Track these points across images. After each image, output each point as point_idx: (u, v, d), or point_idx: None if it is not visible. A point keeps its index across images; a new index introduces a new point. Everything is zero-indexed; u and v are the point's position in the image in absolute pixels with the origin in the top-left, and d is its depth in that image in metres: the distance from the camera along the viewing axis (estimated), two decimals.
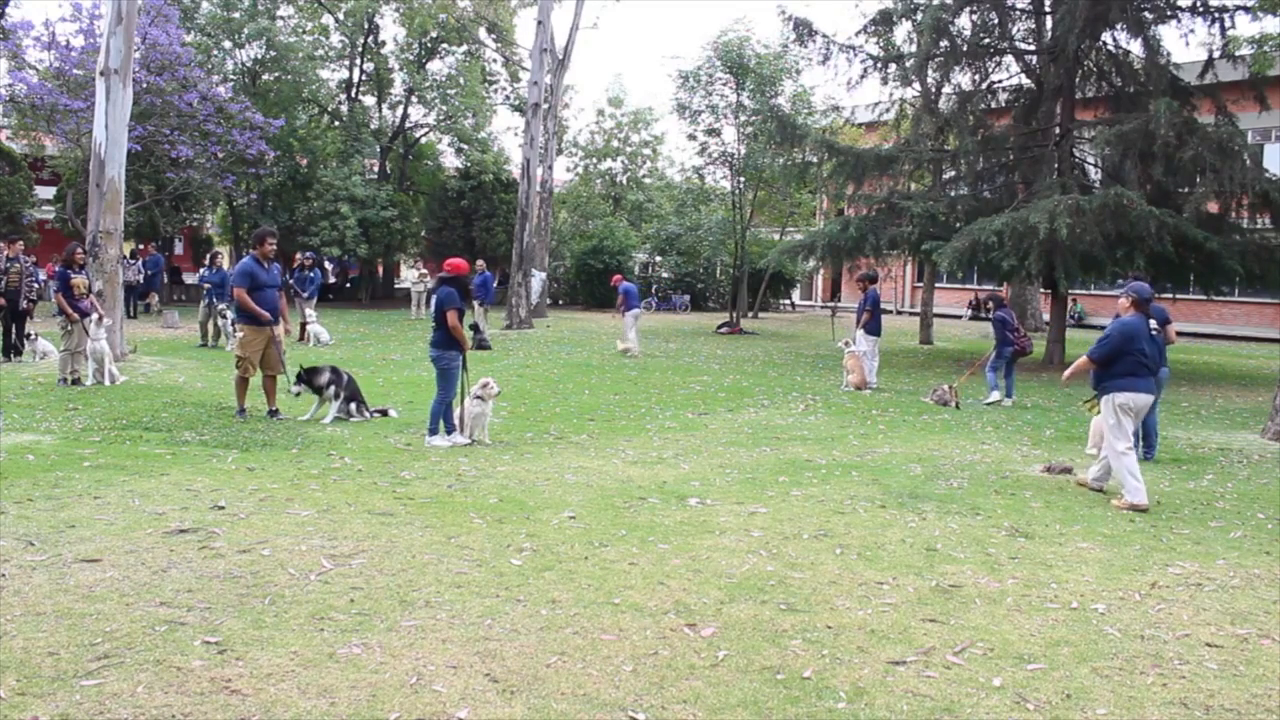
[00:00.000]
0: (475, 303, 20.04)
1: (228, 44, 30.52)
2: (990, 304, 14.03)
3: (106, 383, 11.42)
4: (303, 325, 17.97)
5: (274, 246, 9.63)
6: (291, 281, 19.76)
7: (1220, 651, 4.12)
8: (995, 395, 12.44)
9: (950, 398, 12.26)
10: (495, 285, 23.87)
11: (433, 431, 8.52)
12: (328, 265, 40.13)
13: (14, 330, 13.72)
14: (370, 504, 6.22)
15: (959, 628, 4.32)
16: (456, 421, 8.57)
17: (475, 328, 18.93)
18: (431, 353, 8.56)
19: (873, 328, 13.65)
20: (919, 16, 17.66)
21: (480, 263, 21.94)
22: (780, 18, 19.39)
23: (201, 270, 20.45)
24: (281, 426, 9.08)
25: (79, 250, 12.54)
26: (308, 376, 9.58)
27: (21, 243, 14.16)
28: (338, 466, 7.38)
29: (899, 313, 35.69)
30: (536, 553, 5.24)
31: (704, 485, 7.13)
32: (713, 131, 28.15)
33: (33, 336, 13.77)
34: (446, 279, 8.55)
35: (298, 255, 22.37)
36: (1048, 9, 17.98)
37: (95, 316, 11.70)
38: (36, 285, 14.94)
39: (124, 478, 6.69)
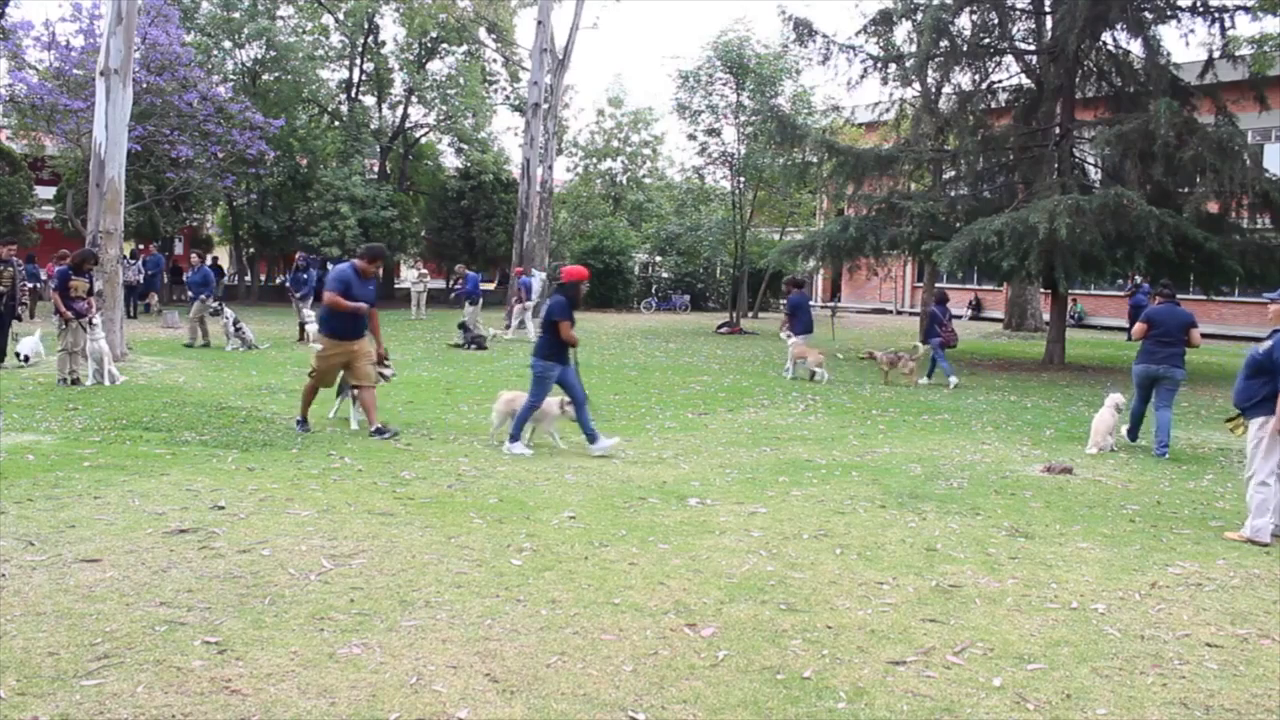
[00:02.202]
0: (467, 302, 19.99)
1: (228, 44, 30.52)
2: (933, 299, 15.90)
3: (106, 382, 11.39)
4: (301, 325, 17.91)
5: (379, 268, 9.24)
6: (288, 282, 19.75)
7: (1220, 651, 4.12)
8: (952, 381, 13.93)
9: (899, 361, 14.23)
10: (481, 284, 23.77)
11: (514, 438, 8.26)
12: (329, 266, 40.04)
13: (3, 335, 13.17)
14: (370, 504, 6.22)
15: (959, 628, 4.32)
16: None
17: (464, 326, 18.95)
18: (532, 359, 8.29)
19: (798, 328, 14.98)
20: (919, 16, 17.66)
21: (459, 267, 22.01)
22: (780, 18, 19.39)
23: (188, 273, 20.14)
24: (282, 426, 9.08)
25: (91, 258, 12.36)
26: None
27: (15, 245, 13.86)
28: (338, 466, 7.38)
29: (899, 313, 35.70)
30: (536, 553, 5.24)
31: (704, 485, 7.13)
32: (713, 131, 28.15)
33: (16, 338, 13.38)
34: (562, 285, 8.34)
35: (296, 255, 22.29)
36: (1048, 9, 17.98)
37: (92, 318, 11.62)
38: (34, 287, 14.57)
39: (124, 478, 6.69)
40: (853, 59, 18.79)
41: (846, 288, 38.07)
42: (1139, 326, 9.56)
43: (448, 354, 17.37)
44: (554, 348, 8.12)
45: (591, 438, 8.21)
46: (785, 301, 16.44)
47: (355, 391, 8.96)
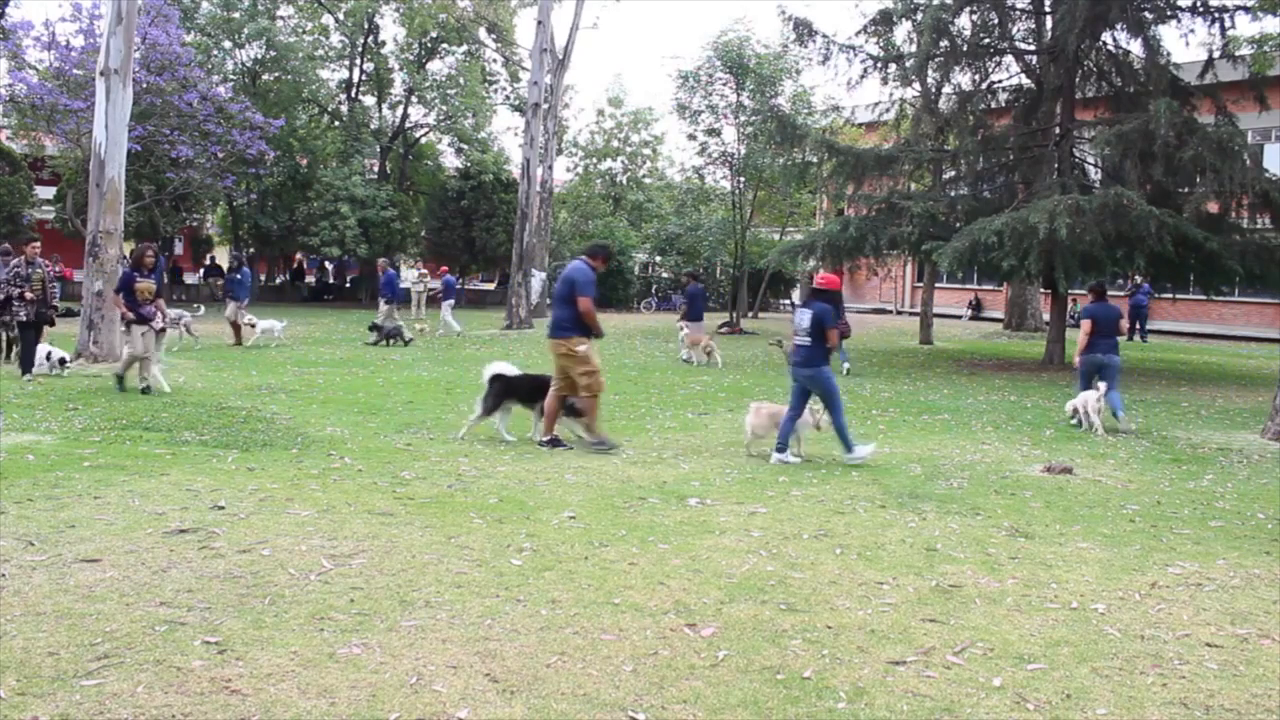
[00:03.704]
0: (381, 300, 19.66)
1: (228, 44, 30.55)
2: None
3: (149, 387, 10.85)
4: (236, 327, 17.60)
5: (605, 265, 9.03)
6: (224, 284, 19.39)
7: (1220, 651, 4.12)
8: (845, 366, 15.42)
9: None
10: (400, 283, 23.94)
11: (781, 449, 8.09)
12: (328, 266, 40.18)
13: (31, 343, 12.09)
14: (370, 504, 6.22)
15: (959, 628, 4.32)
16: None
17: (375, 326, 18.72)
18: (802, 371, 8.11)
19: (691, 316, 17.04)
20: (919, 16, 17.66)
21: (382, 260, 22.23)
22: (780, 18, 19.40)
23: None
24: (282, 426, 9.08)
25: (149, 252, 11.53)
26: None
27: (39, 244, 12.90)
28: (338, 466, 7.38)
29: (899, 313, 35.68)
30: (536, 553, 5.24)
31: (704, 485, 7.13)
32: (713, 131, 28.16)
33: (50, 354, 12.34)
34: (820, 292, 8.27)
35: (229, 256, 22.09)
36: (1048, 9, 17.98)
37: (160, 325, 11.01)
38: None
39: (124, 478, 6.69)
40: (853, 59, 18.79)
41: (847, 288, 38.07)
42: (1085, 324, 10.80)
43: (448, 354, 17.37)
44: (824, 354, 8.13)
45: (784, 448, 8.14)
46: (685, 292, 18.29)
47: (548, 401, 8.58)
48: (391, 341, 18.32)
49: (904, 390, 13.50)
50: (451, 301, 23.42)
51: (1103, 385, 10.24)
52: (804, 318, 8.16)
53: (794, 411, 8.13)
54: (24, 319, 11.89)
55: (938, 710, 3.49)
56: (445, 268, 26.67)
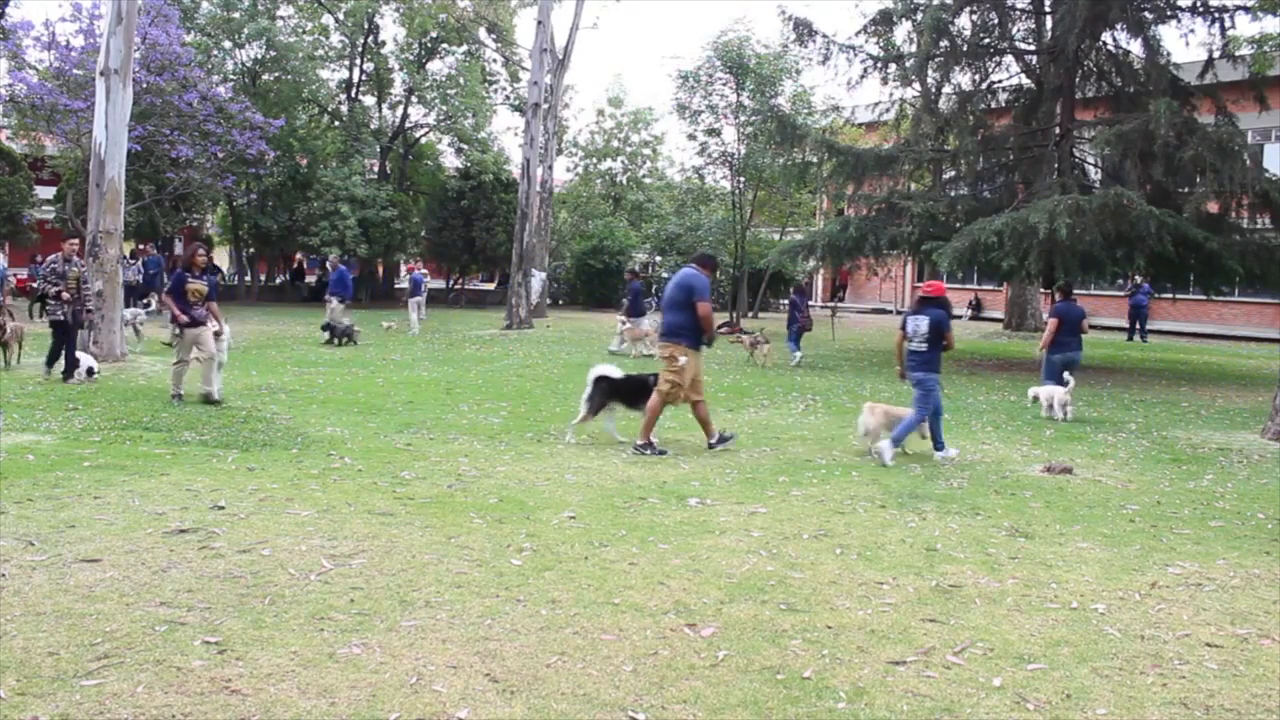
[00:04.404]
0: (334, 298, 19.24)
1: (228, 44, 30.53)
2: (791, 289, 19.35)
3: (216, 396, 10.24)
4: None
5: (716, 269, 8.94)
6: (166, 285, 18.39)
7: (1220, 651, 4.12)
8: (798, 355, 16.60)
9: (759, 344, 16.57)
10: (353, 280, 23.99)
11: (941, 446, 8.52)
12: (329, 266, 40.00)
13: (69, 344, 11.68)
14: (370, 504, 6.22)
15: (959, 628, 4.32)
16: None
17: (327, 327, 18.31)
18: (919, 373, 8.45)
19: (632, 312, 18.21)
20: (919, 16, 17.67)
21: (333, 257, 22.12)
22: (780, 18, 19.42)
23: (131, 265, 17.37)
24: (282, 426, 9.08)
25: (200, 252, 10.79)
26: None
27: (76, 242, 12.31)
28: (338, 466, 7.38)
29: (899, 313, 35.70)
30: (536, 553, 5.24)
31: (704, 485, 7.13)
32: (713, 131, 28.17)
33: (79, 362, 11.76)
34: (931, 299, 8.54)
35: (146, 249, 20.83)
36: (1048, 9, 17.99)
37: (215, 328, 10.38)
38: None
39: (124, 478, 6.69)
40: (853, 59, 18.81)
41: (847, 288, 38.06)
42: (1053, 322, 11.61)
43: (448, 354, 17.37)
44: (939, 359, 8.50)
45: (942, 445, 8.57)
46: (627, 288, 19.49)
47: (655, 403, 8.52)
48: (343, 341, 17.78)
49: (904, 390, 13.47)
50: (419, 299, 23.32)
51: (1071, 379, 11.01)
52: (921, 324, 8.43)
53: (934, 409, 8.59)
54: (60, 318, 11.54)
55: (938, 710, 3.50)
56: (412, 265, 27.10)
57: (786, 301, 39.90)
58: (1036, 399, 11.30)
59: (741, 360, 17.03)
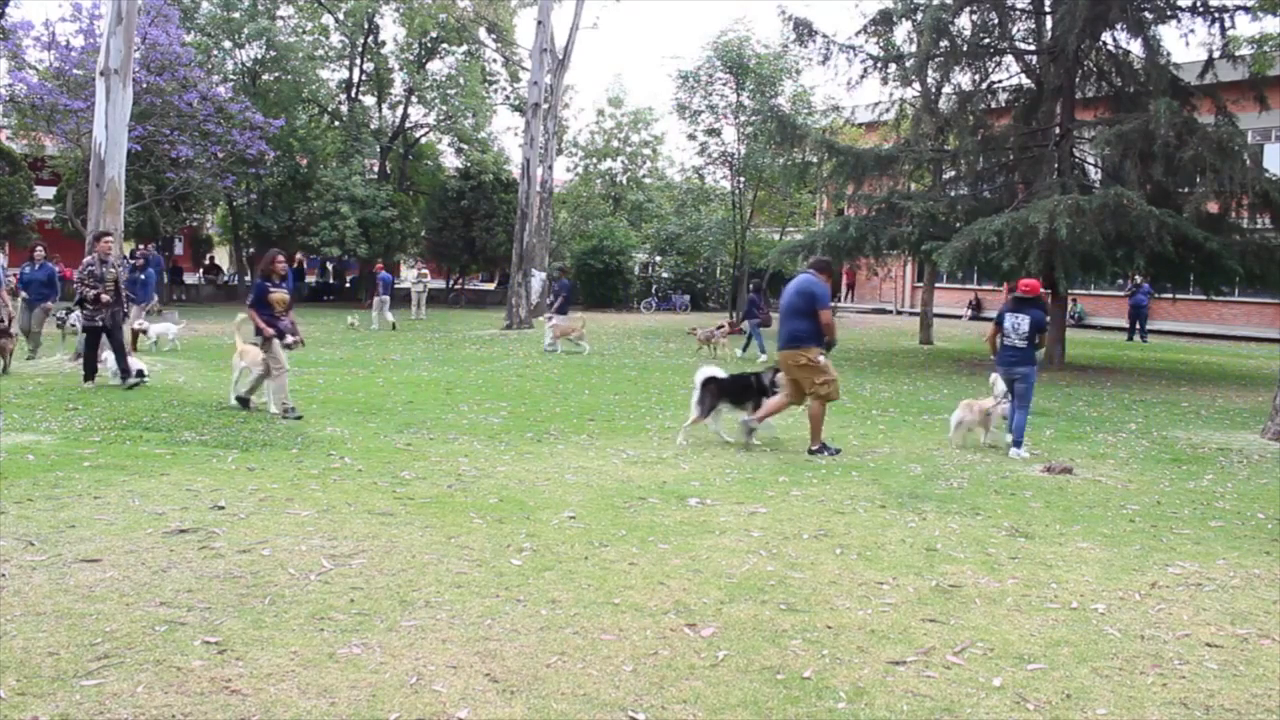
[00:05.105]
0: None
1: (228, 44, 30.56)
2: (750, 287, 20.73)
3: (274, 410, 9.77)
4: (134, 332, 15.04)
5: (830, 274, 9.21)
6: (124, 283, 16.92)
7: (1220, 651, 4.12)
8: (763, 357, 17.13)
9: (711, 337, 18.07)
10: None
11: (1019, 444, 8.77)
12: (329, 266, 40.03)
13: (115, 345, 11.39)
14: (370, 504, 6.22)
15: (959, 628, 4.32)
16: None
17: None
18: (1019, 369, 8.93)
19: (560, 309, 19.33)
20: (919, 16, 17.66)
21: (280, 255, 22.17)
22: (780, 18, 19.41)
23: (24, 266, 15.39)
24: (282, 427, 9.08)
25: (279, 259, 10.25)
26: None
27: (110, 238, 11.84)
28: (338, 466, 7.38)
29: (899, 313, 35.67)
30: (536, 553, 5.24)
31: (704, 485, 7.13)
32: (713, 131, 28.20)
33: (104, 360, 11.52)
34: (1028, 299, 9.01)
35: (133, 251, 19.96)
36: (1048, 9, 17.97)
37: (292, 339, 9.86)
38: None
39: (124, 478, 6.69)
40: (853, 59, 18.80)
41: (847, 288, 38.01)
42: (993, 328, 12.20)
43: (448, 354, 17.37)
44: (1035, 354, 8.99)
45: (1017, 444, 8.82)
46: (555, 286, 20.91)
47: (768, 403, 8.76)
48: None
49: (904, 390, 13.50)
50: (386, 298, 24.06)
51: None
52: (1021, 322, 8.92)
53: (1017, 404, 9.00)
54: (98, 325, 11.16)
55: (938, 710, 3.50)
56: (381, 264, 27.84)
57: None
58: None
59: (758, 364, 17.03)
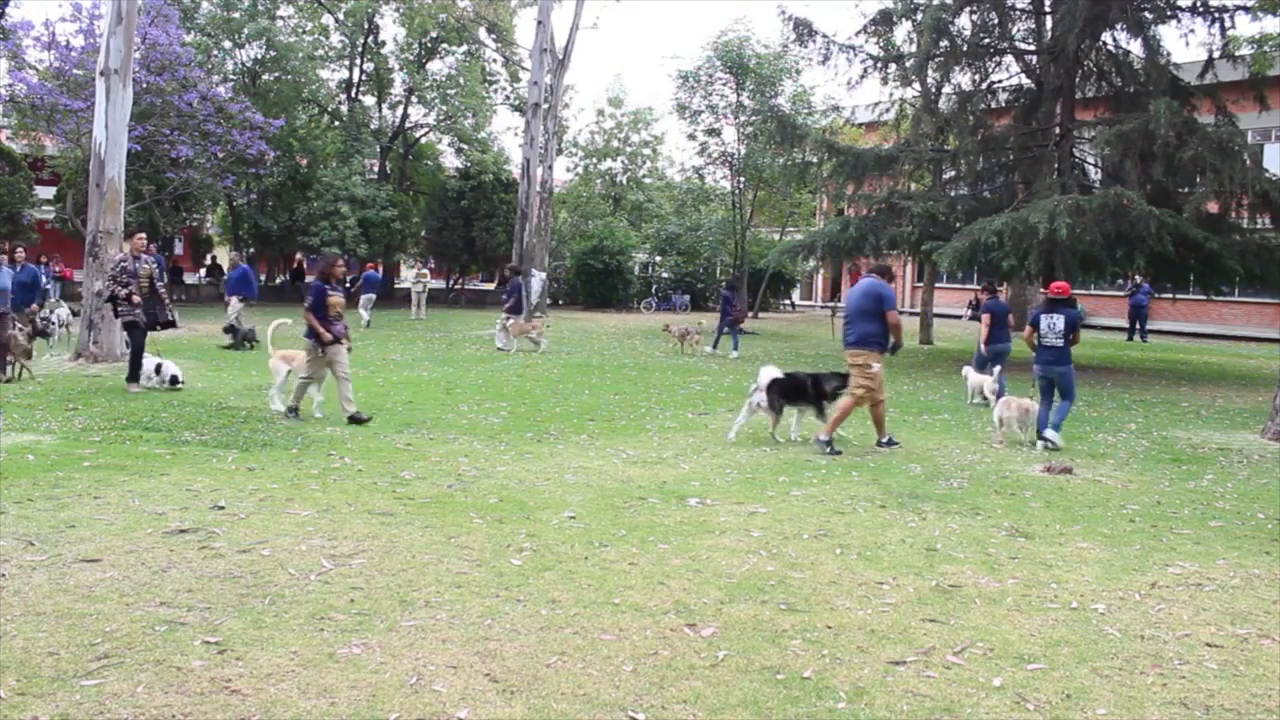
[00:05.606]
0: (233, 297, 17.88)
1: (228, 44, 30.54)
2: (724, 285, 21.07)
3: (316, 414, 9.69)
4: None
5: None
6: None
7: (1220, 651, 4.12)
8: (735, 354, 17.67)
9: (688, 335, 18.29)
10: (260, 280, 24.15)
11: (1058, 427, 9.15)
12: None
13: (142, 348, 11.21)
14: (370, 504, 6.22)
15: (959, 628, 4.32)
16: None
17: (231, 329, 17.05)
18: (1059, 368, 9.26)
19: (514, 308, 19.13)
20: (919, 16, 17.66)
21: (233, 255, 22.31)
22: (780, 18, 19.41)
23: (3, 267, 14.41)
24: (281, 427, 9.08)
25: (339, 262, 10.10)
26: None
27: (143, 236, 11.59)
28: (338, 466, 7.38)
29: (899, 313, 35.65)
30: (536, 553, 5.24)
31: (704, 485, 7.13)
32: (713, 131, 28.18)
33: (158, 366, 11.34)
34: (1061, 300, 9.32)
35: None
36: (1048, 9, 17.98)
37: (346, 344, 9.72)
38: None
39: (124, 478, 6.69)
40: (853, 59, 18.80)
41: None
42: (986, 317, 12.22)
43: (448, 354, 17.36)
44: (1070, 353, 9.31)
45: (1055, 427, 9.18)
46: (509, 285, 20.72)
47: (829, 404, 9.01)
48: (245, 345, 16.50)
49: (904, 390, 13.49)
50: (371, 296, 24.25)
51: (998, 369, 11.37)
52: (1058, 322, 9.26)
53: (1047, 401, 9.35)
54: (133, 320, 10.93)
55: (938, 710, 3.50)
56: (371, 264, 28.33)
57: (789, 302, 40.22)
58: (976, 393, 11.99)
59: (759, 364, 17.03)
